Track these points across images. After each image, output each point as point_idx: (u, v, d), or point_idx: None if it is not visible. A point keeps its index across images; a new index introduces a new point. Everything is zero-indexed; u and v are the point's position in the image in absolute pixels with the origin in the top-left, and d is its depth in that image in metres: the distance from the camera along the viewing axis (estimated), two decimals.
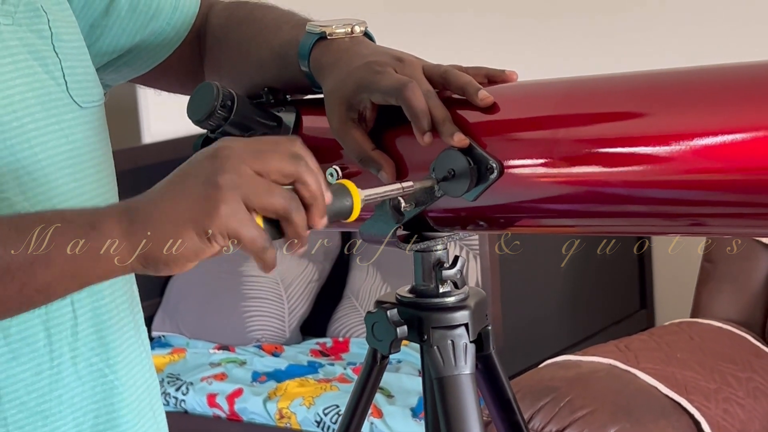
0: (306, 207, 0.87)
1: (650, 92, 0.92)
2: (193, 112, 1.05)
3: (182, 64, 1.22)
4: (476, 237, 2.74)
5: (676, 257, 2.96)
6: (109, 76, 1.20)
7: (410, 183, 0.97)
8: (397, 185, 0.97)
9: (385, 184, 0.98)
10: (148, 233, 0.85)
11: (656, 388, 2.10)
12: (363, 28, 1.08)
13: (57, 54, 1.05)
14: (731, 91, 0.87)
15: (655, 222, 0.94)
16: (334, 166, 1.05)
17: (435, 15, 3.20)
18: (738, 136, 0.85)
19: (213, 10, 1.22)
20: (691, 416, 2.07)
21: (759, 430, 2.17)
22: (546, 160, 0.94)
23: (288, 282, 3.18)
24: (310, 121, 1.11)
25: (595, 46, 2.99)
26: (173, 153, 3.22)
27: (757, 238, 2.60)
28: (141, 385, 1.10)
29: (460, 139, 0.96)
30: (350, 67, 1.03)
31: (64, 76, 1.05)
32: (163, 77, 1.25)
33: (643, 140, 0.89)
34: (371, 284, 3.14)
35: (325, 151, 1.07)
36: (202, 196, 0.84)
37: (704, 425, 2.05)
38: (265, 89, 1.12)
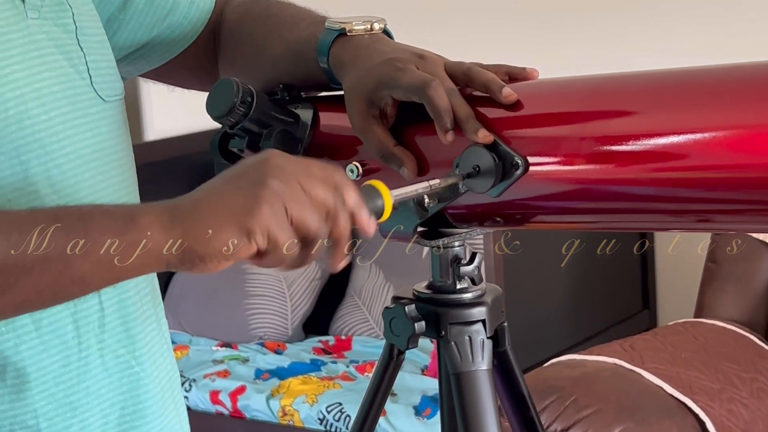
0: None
1: (675, 89, 0.93)
2: (213, 108, 1.05)
3: (197, 59, 1.22)
4: (481, 237, 2.75)
5: (678, 257, 2.96)
6: (125, 69, 1.20)
7: (437, 180, 0.98)
8: (425, 183, 0.97)
9: (407, 182, 0.98)
10: (189, 226, 0.85)
11: (661, 387, 2.11)
12: (382, 25, 1.09)
13: (81, 48, 1.06)
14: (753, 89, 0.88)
15: (678, 219, 0.94)
16: (354, 163, 1.05)
17: (438, 14, 3.21)
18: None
19: (229, 6, 1.22)
20: (696, 416, 2.07)
21: (763, 430, 2.17)
22: (570, 157, 0.94)
23: (291, 280, 3.19)
24: (327, 118, 1.11)
25: (601, 47, 2.99)
26: (176, 150, 3.22)
27: (762, 239, 2.60)
28: (164, 377, 1.11)
29: (484, 136, 0.96)
30: (371, 63, 1.03)
31: (88, 70, 1.06)
32: (177, 71, 1.25)
33: (670, 136, 0.89)
34: (374, 282, 3.15)
35: (343, 148, 1.08)
36: (248, 194, 0.86)
37: (709, 425, 2.06)
38: (281, 86, 1.13)
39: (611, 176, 0.93)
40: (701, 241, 2.67)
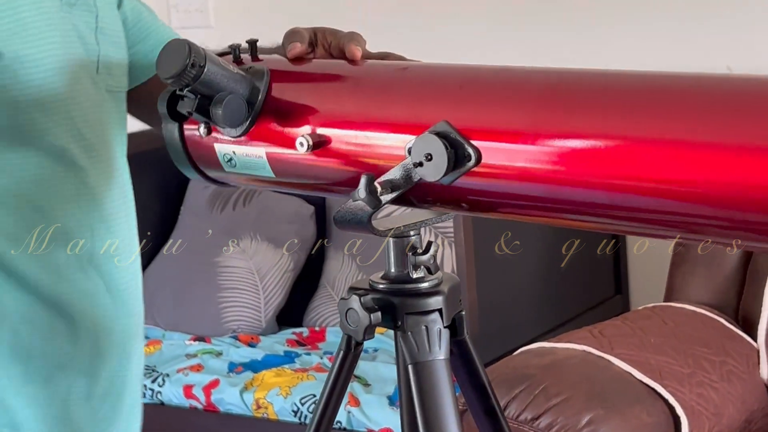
0: None
1: (638, 94, 0.90)
2: (162, 70, 1.03)
3: (152, 100, 1.23)
4: (451, 224, 2.74)
5: (650, 241, 2.97)
6: None
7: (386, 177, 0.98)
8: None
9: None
10: None
11: (630, 374, 2.11)
12: None
13: (97, 43, 1.29)
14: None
15: (631, 225, 0.92)
16: (304, 135, 1.04)
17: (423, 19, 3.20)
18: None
19: None
20: (666, 401, 2.08)
21: (733, 413, 2.18)
22: (522, 153, 0.93)
23: (264, 272, 3.18)
24: (280, 84, 1.09)
25: (580, 50, 2.99)
26: (146, 144, 3.20)
27: None
28: None
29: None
30: None
31: (98, 61, 1.28)
32: (131, 103, 1.36)
33: (625, 140, 0.87)
34: (347, 273, 3.14)
35: (295, 115, 1.06)
36: None
37: (678, 410, 2.06)
38: (233, 45, 1.12)
39: (564, 177, 0.91)
40: None
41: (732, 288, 2.59)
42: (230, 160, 1.11)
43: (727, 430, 2.16)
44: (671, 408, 2.07)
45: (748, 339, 2.39)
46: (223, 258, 3.21)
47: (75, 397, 1.27)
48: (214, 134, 1.11)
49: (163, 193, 3.40)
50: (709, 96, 0.86)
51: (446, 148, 0.95)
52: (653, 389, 2.09)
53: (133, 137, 3.65)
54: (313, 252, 3.24)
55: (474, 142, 0.95)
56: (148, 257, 3.34)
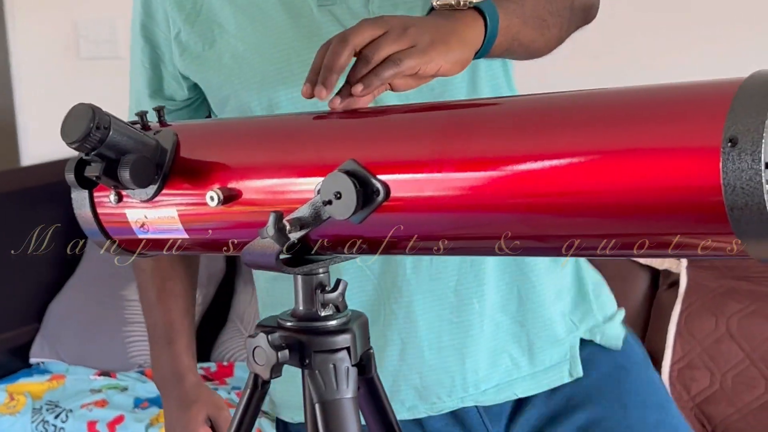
0: None
1: (532, 114, 0.93)
2: (67, 135, 1.02)
3: None
4: None
5: None
6: None
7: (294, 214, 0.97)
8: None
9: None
10: None
11: None
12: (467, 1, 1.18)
13: None
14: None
15: (546, 244, 0.93)
16: (215, 189, 1.04)
17: None
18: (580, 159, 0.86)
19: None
20: None
21: None
22: (428, 183, 0.94)
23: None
24: (188, 144, 1.09)
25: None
26: (53, 176, 3.16)
27: (635, 259, 2.65)
28: None
29: (306, 89, 1.07)
30: None
31: None
32: None
33: (525, 162, 0.89)
34: (256, 308, 3.12)
35: (204, 174, 1.06)
36: None
37: None
38: (140, 113, 1.12)
39: (472, 202, 0.92)
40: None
41: (638, 324, 2.63)
42: (143, 225, 1.11)
43: None
44: None
45: None
46: (129, 291, 3.16)
47: None
48: (125, 200, 1.10)
49: (70, 224, 3.35)
50: (604, 108, 0.89)
51: (355, 186, 0.95)
52: None
53: (38, 168, 3.56)
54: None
55: (382, 177, 0.95)
56: (53, 290, 3.28)
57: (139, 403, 2.84)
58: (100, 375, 3.04)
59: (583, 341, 1.49)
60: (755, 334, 2.51)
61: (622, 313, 1.56)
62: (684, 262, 2.65)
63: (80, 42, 3.54)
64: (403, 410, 1.45)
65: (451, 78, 1.30)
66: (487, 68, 1.41)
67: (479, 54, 1.20)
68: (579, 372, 1.46)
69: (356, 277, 1.40)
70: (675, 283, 2.65)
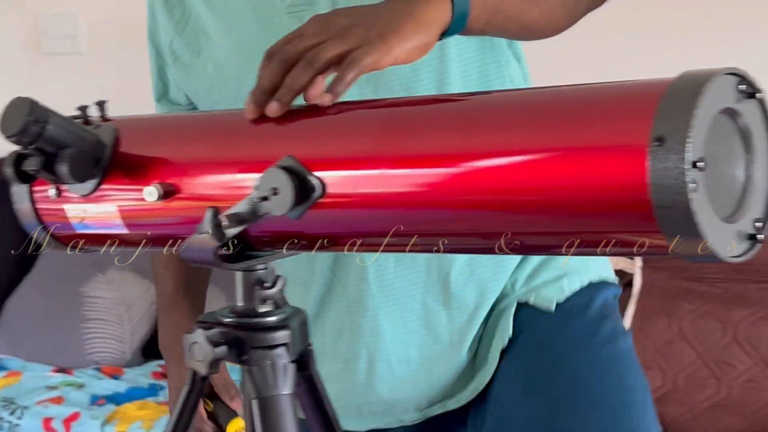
0: None
1: (475, 111, 0.94)
2: (5, 128, 1.02)
3: None
4: None
5: None
6: None
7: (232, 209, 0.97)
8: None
9: None
10: None
11: None
12: None
13: None
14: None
15: (489, 242, 0.94)
16: (154, 184, 1.04)
17: None
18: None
19: None
20: None
21: None
22: (366, 179, 0.94)
23: (129, 303, 3.13)
24: (128, 139, 1.09)
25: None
26: None
27: None
28: None
29: (249, 111, 1.02)
30: None
31: None
32: None
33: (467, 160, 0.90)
34: (215, 306, 3.10)
35: (143, 169, 1.06)
36: None
37: None
38: (81, 107, 1.11)
39: (409, 199, 0.92)
40: None
41: None
42: (82, 219, 1.10)
43: None
44: None
45: None
46: (88, 288, 3.15)
47: None
48: (64, 195, 1.10)
49: None
50: (538, 108, 0.90)
51: (292, 182, 0.95)
52: None
53: None
54: None
55: (319, 174, 0.95)
56: (10, 286, 3.26)
57: (95, 400, 2.83)
58: (56, 372, 3.03)
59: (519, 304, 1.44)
60: (707, 335, 2.53)
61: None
62: (638, 262, 2.66)
63: (40, 38, 3.52)
64: (375, 420, 1.46)
65: (417, 64, 1.17)
66: (458, 51, 1.34)
67: (450, 31, 1.09)
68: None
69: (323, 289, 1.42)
70: (630, 284, 2.67)
